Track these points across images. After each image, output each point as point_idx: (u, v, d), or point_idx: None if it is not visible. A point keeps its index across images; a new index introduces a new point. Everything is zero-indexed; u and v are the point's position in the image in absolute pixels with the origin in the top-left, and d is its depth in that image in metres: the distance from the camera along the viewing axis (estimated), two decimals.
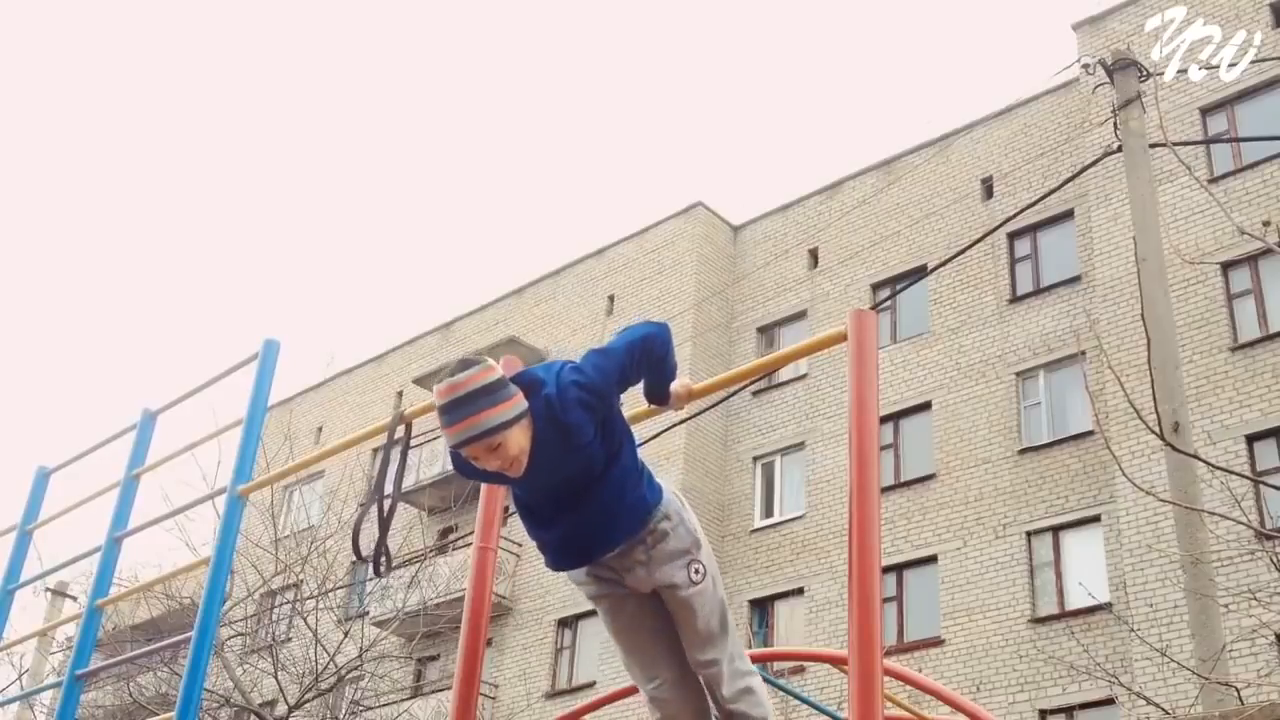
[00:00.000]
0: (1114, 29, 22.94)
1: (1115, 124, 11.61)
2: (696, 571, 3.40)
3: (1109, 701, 18.34)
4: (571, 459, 3.18)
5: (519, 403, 3.12)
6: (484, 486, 3.90)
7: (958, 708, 5.65)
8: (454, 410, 3.07)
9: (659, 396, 3.44)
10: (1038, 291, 23.49)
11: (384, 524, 3.77)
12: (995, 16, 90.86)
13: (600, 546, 3.36)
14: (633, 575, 3.42)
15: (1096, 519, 20.74)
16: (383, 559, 3.72)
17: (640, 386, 3.43)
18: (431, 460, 29.71)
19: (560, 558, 3.43)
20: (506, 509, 3.74)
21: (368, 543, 3.92)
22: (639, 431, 3.58)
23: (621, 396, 3.33)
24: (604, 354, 3.23)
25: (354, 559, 24.76)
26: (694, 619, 3.42)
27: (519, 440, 3.11)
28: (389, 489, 3.80)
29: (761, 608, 24.81)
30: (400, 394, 33.55)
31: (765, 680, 5.23)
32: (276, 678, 18.79)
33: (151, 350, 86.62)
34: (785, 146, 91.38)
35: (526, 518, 3.41)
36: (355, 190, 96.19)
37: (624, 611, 3.51)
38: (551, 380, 3.17)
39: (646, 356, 3.28)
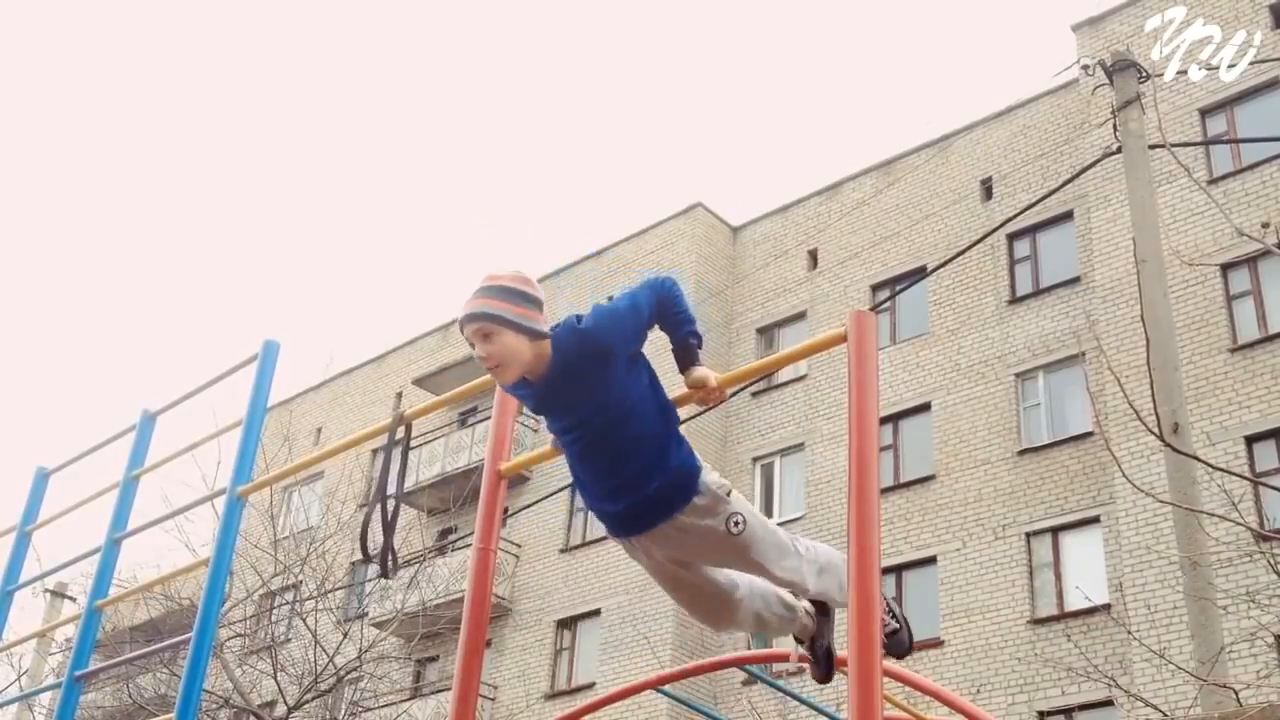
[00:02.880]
0: (1114, 30, 22.95)
1: (1114, 125, 11.61)
2: (736, 524, 3.44)
3: (1108, 703, 18.33)
4: (593, 384, 3.32)
5: (537, 321, 3.33)
6: (483, 488, 3.91)
7: (957, 709, 5.65)
8: (480, 292, 3.35)
9: (682, 351, 3.48)
10: (1037, 292, 23.49)
11: (389, 525, 3.81)
12: (995, 17, 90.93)
13: (651, 506, 3.40)
14: (670, 550, 3.50)
15: (1096, 520, 20.74)
16: (389, 559, 3.76)
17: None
18: (431, 461, 29.72)
19: (610, 521, 3.51)
20: (505, 510, 3.75)
21: (373, 543, 3.94)
22: None
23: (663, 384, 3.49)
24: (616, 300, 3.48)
25: (353, 560, 24.89)
26: (755, 558, 3.50)
27: (515, 348, 3.29)
28: (392, 489, 3.82)
29: None
30: (400, 394, 33.54)
31: (764, 681, 5.22)
32: (276, 678, 18.79)
33: (151, 350, 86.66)
34: (785, 147, 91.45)
35: (583, 490, 3.56)
36: (356, 191, 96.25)
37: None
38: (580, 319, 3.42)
39: (651, 292, 3.44)
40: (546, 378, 3.37)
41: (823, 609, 3.86)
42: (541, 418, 3.61)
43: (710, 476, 3.45)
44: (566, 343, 3.35)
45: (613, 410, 3.33)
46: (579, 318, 3.40)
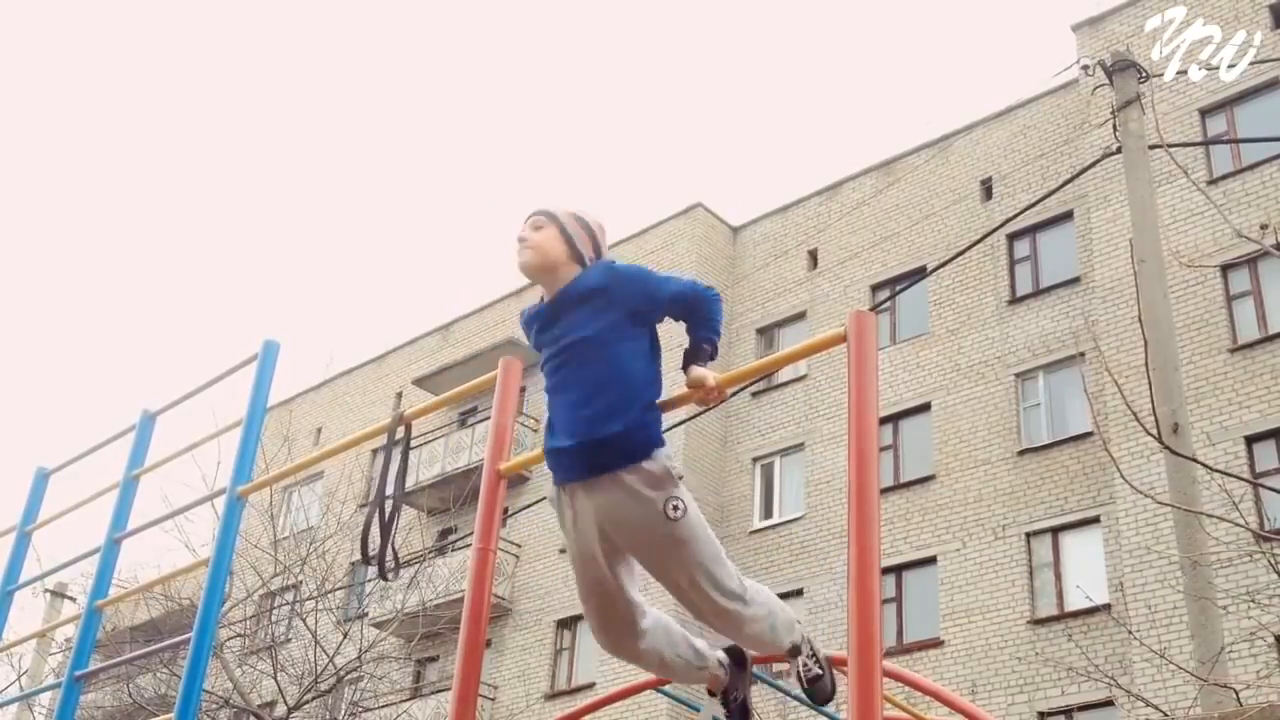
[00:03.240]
0: (1114, 30, 22.95)
1: (1114, 125, 11.60)
2: (675, 508, 3.35)
3: (1108, 703, 18.33)
4: (597, 316, 3.45)
5: (585, 247, 3.60)
6: (482, 488, 3.90)
7: (957, 709, 5.64)
8: (559, 207, 3.65)
9: (692, 352, 3.51)
10: (1037, 293, 23.49)
11: (386, 526, 3.81)
12: (995, 17, 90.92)
13: (603, 446, 3.36)
14: (600, 505, 3.39)
15: (1096, 520, 20.74)
16: (388, 561, 3.75)
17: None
18: (431, 461, 29.72)
19: (560, 458, 3.45)
20: (505, 510, 3.75)
21: (373, 546, 3.93)
22: None
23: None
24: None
25: (353, 560, 24.89)
26: (689, 557, 3.36)
27: (554, 248, 3.56)
28: (392, 489, 3.82)
29: None
30: (400, 395, 33.54)
31: (764, 681, 5.21)
32: (276, 679, 18.79)
33: (151, 350, 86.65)
34: (785, 147, 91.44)
35: (548, 431, 3.54)
36: (355, 191, 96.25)
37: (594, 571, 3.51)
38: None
39: (690, 285, 3.53)
40: (560, 295, 3.53)
41: (739, 661, 3.73)
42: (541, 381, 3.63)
43: (669, 457, 3.41)
44: (592, 269, 3.55)
45: (604, 348, 3.41)
46: (619, 262, 3.58)
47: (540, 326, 3.59)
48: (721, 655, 3.71)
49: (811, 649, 3.61)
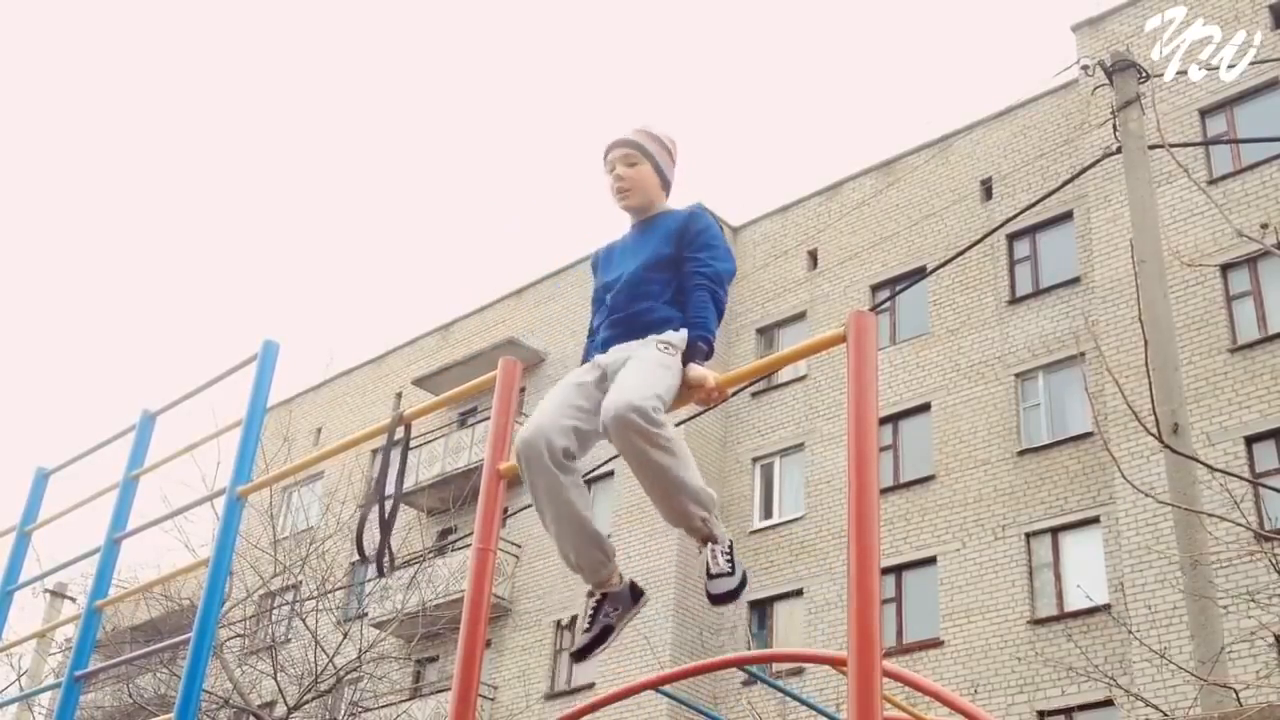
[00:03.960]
0: (1113, 30, 22.96)
1: (1114, 125, 11.60)
2: (664, 346, 3.52)
3: (1108, 703, 18.33)
4: (658, 241, 3.74)
5: (669, 169, 3.88)
6: (482, 488, 3.90)
7: (957, 709, 5.65)
8: (636, 130, 3.88)
9: (688, 351, 3.58)
10: (1037, 293, 23.50)
11: (385, 524, 3.82)
12: (995, 17, 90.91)
13: (644, 314, 3.63)
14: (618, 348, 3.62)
15: (1096, 520, 20.75)
16: (385, 559, 3.76)
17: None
18: (431, 461, 29.71)
19: (607, 330, 3.72)
20: (505, 510, 3.74)
21: (370, 543, 3.94)
22: None
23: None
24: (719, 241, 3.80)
25: (354, 560, 24.88)
26: (647, 370, 3.45)
27: (651, 182, 3.84)
28: (390, 489, 3.83)
29: (761, 609, 24.81)
30: (399, 395, 33.53)
31: (764, 681, 5.20)
32: (276, 679, 18.79)
33: (151, 350, 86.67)
34: (785, 147, 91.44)
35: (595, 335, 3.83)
36: (355, 191, 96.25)
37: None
38: (702, 214, 3.84)
39: (712, 274, 3.69)
40: (646, 223, 3.83)
41: (635, 592, 3.63)
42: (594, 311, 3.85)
43: (679, 341, 3.57)
44: (679, 210, 3.80)
45: (659, 267, 3.69)
46: (698, 213, 3.80)
47: (619, 249, 3.86)
48: (623, 574, 3.64)
49: (730, 546, 3.51)
